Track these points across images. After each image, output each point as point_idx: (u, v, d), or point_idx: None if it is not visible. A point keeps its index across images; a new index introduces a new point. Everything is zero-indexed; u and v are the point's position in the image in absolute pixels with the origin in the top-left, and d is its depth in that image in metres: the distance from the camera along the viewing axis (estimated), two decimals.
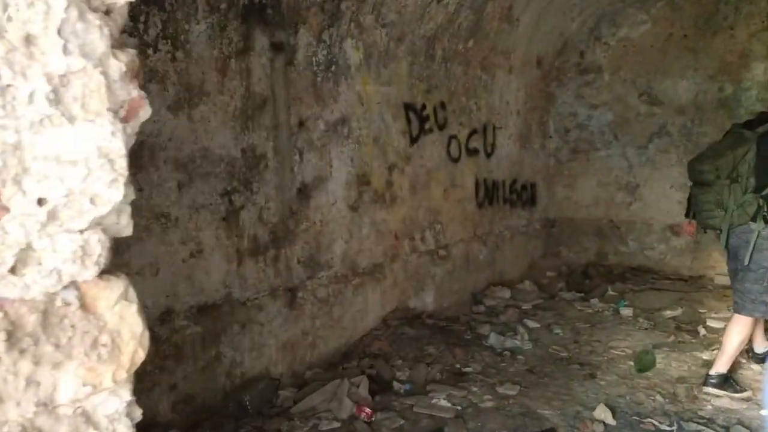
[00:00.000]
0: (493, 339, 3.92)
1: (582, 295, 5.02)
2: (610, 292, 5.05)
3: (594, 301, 4.83)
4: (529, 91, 5.85)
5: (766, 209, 3.03)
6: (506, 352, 3.77)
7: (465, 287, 4.90)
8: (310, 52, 3.51)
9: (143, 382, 2.52)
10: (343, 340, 3.63)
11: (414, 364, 3.41)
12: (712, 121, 5.52)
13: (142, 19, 2.55)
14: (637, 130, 5.94)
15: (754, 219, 3.04)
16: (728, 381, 3.23)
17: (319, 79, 3.57)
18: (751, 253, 3.04)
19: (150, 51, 2.59)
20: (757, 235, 3.03)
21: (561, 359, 3.69)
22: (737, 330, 3.22)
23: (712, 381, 3.22)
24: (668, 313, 4.48)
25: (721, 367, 3.23)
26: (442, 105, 4.66)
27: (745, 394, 3.18)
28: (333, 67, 3.67)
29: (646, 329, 4.17)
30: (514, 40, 5.35)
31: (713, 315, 4.43)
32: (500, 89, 5.38)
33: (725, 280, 5.35)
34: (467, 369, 3.47)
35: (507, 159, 5.56)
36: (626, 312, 4.52)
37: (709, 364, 3.50)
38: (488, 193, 5.28)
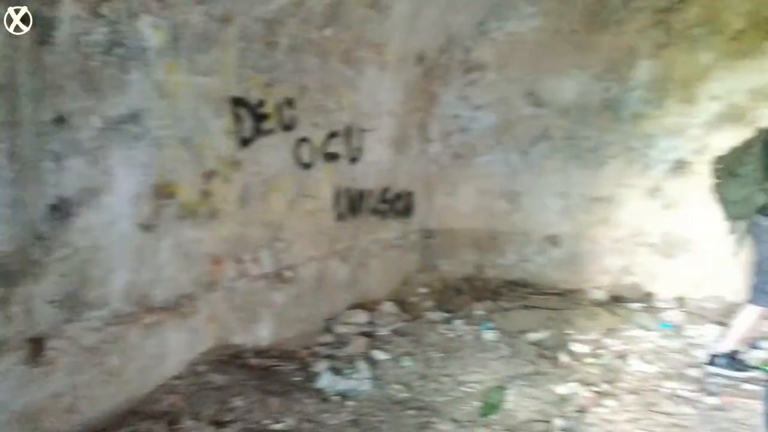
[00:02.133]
0: (326, 380, 3.29)
1: (449, 315, 4.50)
2: (478, 312, 4.57)
3: (458, 322, 4.32)
4: (408, 90, 5.28)
5: None
6: (337, 396, 3.15)
7: (317, 313, 4.27)
8: (80, 28, 2.74)
9: None
10: (123, 398, 2.88)
11: (207, 425, 2.72)
12: (595, 123, 5.15)
13: None
14: (520, 134, 5.51)
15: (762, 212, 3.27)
16: (733, 360, 3.38)
17: (94, 63, 2.80)
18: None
19: None
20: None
21: (399, 402, 3.12)
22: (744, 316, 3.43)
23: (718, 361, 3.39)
24: (533, 336, 4.02)
25: (726, 346, 3.41)
26: (289, 102, 3.99)
27: (747, 374, 3.30)
28: (118, 50, 2.91)
29: (505, 357, 3.68)
30: (387, 31, 4.74)
31: (579, 337, 4.01)
32: (370, 87, 4.76)
33: (600, 295, 5.01)
34: (278, 426, 2.82)
35: (377, 165, 4.97)
36: (489, 336, 4.03)
37: (564, 399, 3.05)
38: (352, 203, 4.67)
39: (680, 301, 4.69)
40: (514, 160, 5.54)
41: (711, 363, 3.41)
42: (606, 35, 5.00)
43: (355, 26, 4.37)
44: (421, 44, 5.16)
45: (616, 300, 4.87)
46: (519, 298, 5.03)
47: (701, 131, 4.70)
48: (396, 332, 4.16)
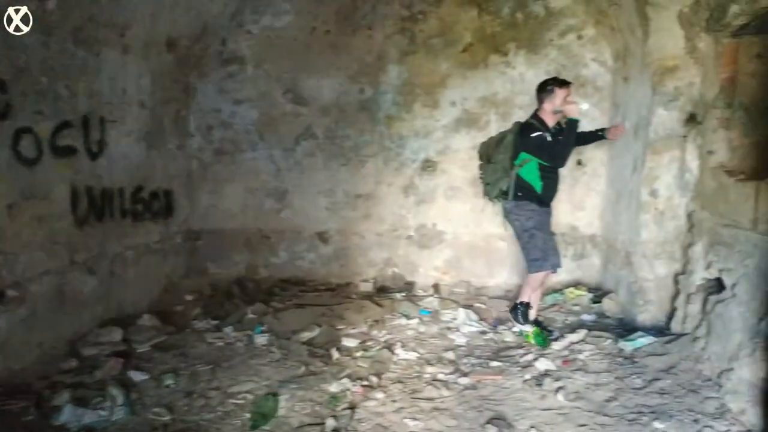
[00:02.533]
0: (68, 414, 2.79)
1: (218, 322, 4.24)
2: (250, 315, 4.40)
3: (228, 329, 4.09)
4: (158, 79, 4.79)
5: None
6: (84, 431, 2.68)
7: (58, 335, 3.61)
8: None
9: None
10: None
11: None
12: (354, 123, 5.36)
13: None
14: (283, 131, 5.46)
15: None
16: (526, 312, 4.01)
17: None
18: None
19: None
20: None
21: (159, 428, 2.78)
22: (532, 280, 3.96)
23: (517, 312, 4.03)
24: (305, 335, 4.01)
25: (522, 298, 4.03)
26: (0, 85, 3.26)
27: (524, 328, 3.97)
28: None
29: (277, 361, 3.58)
30: (128, 13, 4.19)
31: (350, 331, 4.13)
32: (111, 73, 4.18)
33: (368, 287, 5.27)
34: None
35: (126, 161, 4.41)
36: (261, 340, 3.89)
37: (336, 397, 3.06)
38: (96, 205, 4.05)
39: (436, 288, 5.16)
40: (279, 157, 5.48)
41: (512, 310, 4.08)
42: (358, 38, 5.24)
43: (87, 3, 3.79)
44: (172, 30, 4.75)
45: (382, 291, 5.16)
46: (292, 297, 4.99)
47: (443, 133, 5.23)
48: (157, 347, 3.75)
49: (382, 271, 5.41)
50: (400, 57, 5.22)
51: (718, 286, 3.17)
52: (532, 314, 4.04)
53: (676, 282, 3.71)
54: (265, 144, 5.50)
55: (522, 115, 5.06)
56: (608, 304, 4.32)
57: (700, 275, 3.35)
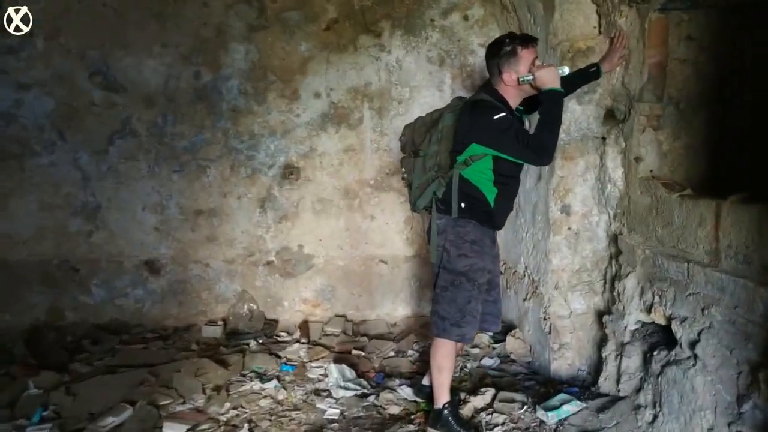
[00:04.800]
0: None
1: None
2: (32, 391, 3.06)
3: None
4: None
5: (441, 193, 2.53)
6: None
7: None
8: None
9: None
10: None
11: None
12: (189, 117, 4.11)
13: None
14: (92, 127, 4.08)
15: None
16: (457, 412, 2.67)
17: None
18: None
19: None
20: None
21: None
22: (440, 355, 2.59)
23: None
24: (108, 422, 2.77)
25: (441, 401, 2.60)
26: None
27: None
28: None
29: None
30: None
31: (178, 409, 2.96)
32: None
33: (214, 332, 4.08)
34: None
35: None
36: None
37: None
38: None
39: (304, 329, 4.09)
40: (87, 162, 4.09)
41: (435, 422, 2.59)
42: (190, 6, 4.00)
43: None
44: None
45: (234, 336, 3.99)
46: (106, 353, 3.69)
47: (307, 132, 4.16)
48: None
49: (235, 308, 4.23)
50: (248, 33, 4.05)
51: (665, 336, 2.44)
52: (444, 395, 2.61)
53: (601, 323, 2.98)
54: (66, 144, 4.08)
55: (402, 112, 4.17)
56: (513, 344, 3.53)
57: (634, 317, 2.62)
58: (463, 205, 2.48)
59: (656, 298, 2.43)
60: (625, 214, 2.79)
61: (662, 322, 2.39)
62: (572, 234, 3.07)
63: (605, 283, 3.01)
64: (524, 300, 3.60)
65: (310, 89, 4.12)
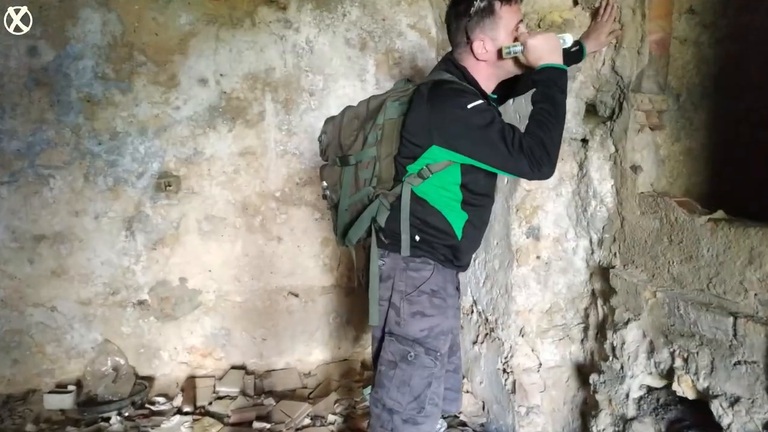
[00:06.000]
0: None
1: None
2: None
3: None
4: None
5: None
6: None
7: None
8: None
9: None
10: None
11: None
12: (23, 109, 3.01)
13: None
14: None
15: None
16: None
17: None
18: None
19: None
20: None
21: None
22: None
23: None
24: None
25: None
26: None
27: None
28: None
29: None
30: None
31: None
32: None
33: (62, 402, 3.00)
34: None
35: None
36: None
37: None
38: None
39: (188, 390, 3.11)
40: None
41: None
42: None
43: None
44: None
45: (89, 405, 2.94)
46: None
47: (189, 130, 3.19)
48: None
49: (94, 365, 3.16)
50: None
51: (689, 409, 1.78)
52: None
53: (583, 381, 2.30)
54: None
55: (315, 106, 3.32)
56: (463, 401, 2.79)
57: (639, 381, 1.94)
58: (417, 237, 1.67)
59: (678, 362, 1.76)
60: (617, 241, 2.12)
61: (691, 395, 1.72)
62: (542, 264, 2.38)
63: (586, 328, 2.33)
64: (474, 343, 2.87)
65: (193, 74, 3.15)
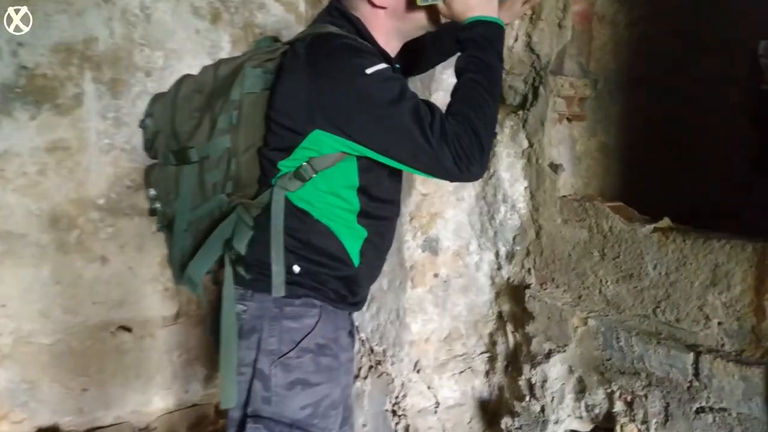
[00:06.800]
0: None
1: None
2: None
3: None
4: None
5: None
6: None
7: None
8: None
9: None
10: None
11: None
12: None
13: None
14: None
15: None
16: None
17: None
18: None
19: None
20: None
21: None
22: None
23: None
24: None
25: None
26: None
27: None
28: None
29: None
30: None
31: None
32: None
33: None
34: None
35: None
36: None
37: None
38: None
39: None
40: None
41: None
42: None
43: None
44: None
45: None
46: None
47: None
48: None
49: None
50: None
51: None
52: None
53: (487, 420, 1.92)
54: None
55: (152, 89, 2.62)
56: None
57: (566, 426, 1.59)
58: (296, 268, 1.14)
59: (619, 405, 1.42)
60: (532, 255, 1.77)
61: None
62: (440, 283, 1.97)
63: (493, 358, 1.96)
64: (356, 377, 2.40)
65: None
